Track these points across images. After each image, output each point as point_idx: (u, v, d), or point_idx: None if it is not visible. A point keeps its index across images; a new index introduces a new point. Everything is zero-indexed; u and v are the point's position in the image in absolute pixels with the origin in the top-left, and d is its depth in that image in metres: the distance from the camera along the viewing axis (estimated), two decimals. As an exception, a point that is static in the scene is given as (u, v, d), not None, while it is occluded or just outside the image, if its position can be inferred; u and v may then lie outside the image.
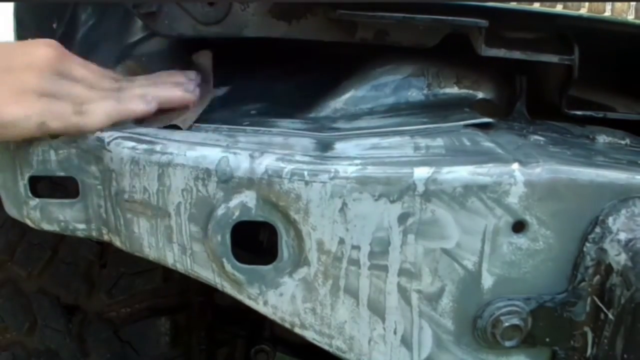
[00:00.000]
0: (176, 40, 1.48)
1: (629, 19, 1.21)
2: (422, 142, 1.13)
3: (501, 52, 1.21)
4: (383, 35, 1.24)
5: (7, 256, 1.94)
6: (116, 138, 1.11)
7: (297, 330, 1.12)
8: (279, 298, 1.10)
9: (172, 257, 1.12)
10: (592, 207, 1.06)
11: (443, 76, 1.32)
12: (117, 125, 1.15)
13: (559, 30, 1.28)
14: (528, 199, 1.04)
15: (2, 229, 1.96)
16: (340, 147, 1.10)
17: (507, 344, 1.10)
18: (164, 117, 1.18)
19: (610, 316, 1.06)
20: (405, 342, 1.12)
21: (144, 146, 1.09)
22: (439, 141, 1.13)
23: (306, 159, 1.04)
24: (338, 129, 1.19)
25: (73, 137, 1.12)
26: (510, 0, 1.19)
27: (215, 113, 1.28)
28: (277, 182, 1.02)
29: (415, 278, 1.08)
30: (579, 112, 1.31)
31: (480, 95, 1.33)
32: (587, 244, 1.07)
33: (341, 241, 1.05)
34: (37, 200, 1.16)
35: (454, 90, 1.32)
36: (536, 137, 1.22)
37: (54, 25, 1.56)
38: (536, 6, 1.20)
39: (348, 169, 1.02)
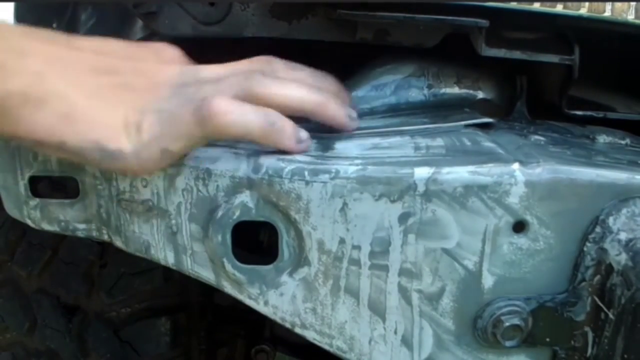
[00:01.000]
0: (176, 40, 1.48)
1: (629, 19, 1.21)
2: (423, 142, 1.13)
3: (501, 52, 1.21)
4: (383, 35, 1.24)
5: (7, 256, 1.94)
6: (116, 138, 1.11)
7: (297, 330, 1.12)
8: (280, 298, 1.10)
9: (172, 257, 1.12)
10: (592, 207, 1.06)
11: (443, 76, 1.32)
12: None
13: (559, 30, 1.28)
14: (528, 199, 1.04)
15: (2, 229, 1.96)
16: (340, 146, 1.10)
17: (508, 343, 1.10)
18: None
19: (611, 316, 1.06)
20: (406, 342, 1.12)
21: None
22: (440, 141, 1.13)
23: (306, 158, 1.04)
24: (338, 129, 1.19)
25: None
26: (510, 0, 1.19)
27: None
28: (277, 182, 1.02)
29: (416, 278, 1.08)
30: (579, 112, 1.31)
31: (480, 95, 1.33)
32: (588, 244, 1.07)
33: (342, 241, 1.05)
34: (37, 200, 1.16)
35: (454, 90, 1.32)
36: (536, 137, 1.22)
37: (54, 25, 1.56)
38: (536, 6, 1.20)
39: (348, 169, 1.02)
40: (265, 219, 1.06)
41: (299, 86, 1.08)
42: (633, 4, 1.20)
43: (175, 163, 1.05)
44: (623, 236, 1.05)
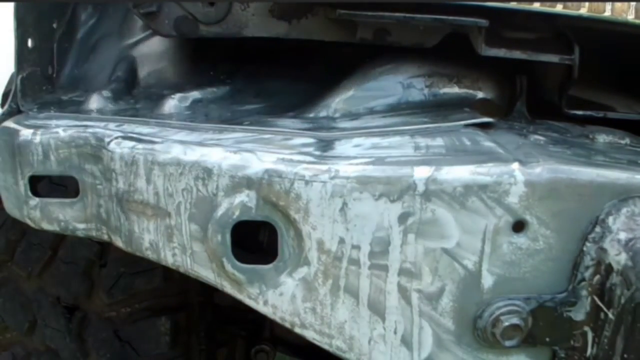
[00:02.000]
0: (176, 40, 1.48)
1: (629, 19, 1.21)
2: (423, 141, 1.13)
3: (501, 52, 1.21)
4: (383, 35, 1.24)
5: (7, 256, 1.94)
6: (116, 138, 1.11)
7: (297, 330, 1.11)
8: (279, 298, 1.09)
9: (172, 257, 1.12)
10: (592, 206, 1.06)
11: (443, 76, 1.32)
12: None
13: (559, 30, 1.28)
14: (528, 199, 1.04)
15: (2, 229, 1.96)
16: (340, 146, 1.10)
17: (507, 343, 1.10)
18: None
19: (610, 316, 1.06)
20: (406, 341, 1.12)
21: (144, 146, 1.09)
22: (439, 141, 1.13)
23: (306, 158, 1.04)
24: (338, 129, 1.19)
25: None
26: (510, 0, 1.19)
27: (216, 112, 1.28)
28: (277, 182, 1.02)
29: (416, 278, 1.08)
30: (579, 112, 1.31)
31: (480, 95, 1.33)
32: (587, 244, 1.07)
33: (341, 241, 1.05)
34: (37, 199, 1.16)
35: (454, 90, 1.32)
36: (536, 136, 1.22)
37: (54, 25, 1.56)
38: (536, 6, 1.20)
39: (348, 169, 1.02)
40: (265, 219, 1.05)
41: None
42: (633, 4, 1.20)
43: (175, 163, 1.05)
44: (623, 236, 1.05)
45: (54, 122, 1.20)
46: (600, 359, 1.10)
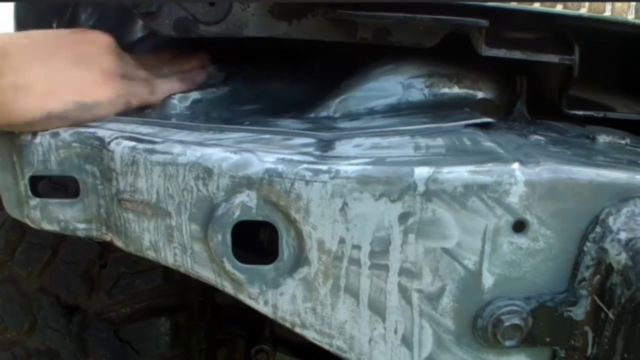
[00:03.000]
0: (176, 40, 1.48)
1: (629, 19, 1.21)
2: (423, 141, 1.13)
3: (501, 52, 1.21)
4: (383, 35, 1.24)
5: (7, 256, 1.94)
6: (117, 138, 1.11)
7: (297, 330, 1.11)
8: (280, 298, 1.10)
9: (172, 257, 1.12)
10: (592, 206, 1.06)
11: (443, 76, 1.32)
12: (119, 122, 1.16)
13: (559, 30, 1.28)
14: (528, 199, 1.04)
15: (2, 229, 1.96)
16: (340, 146, 1.10)
17: (508, 343, 1.10)
18: None
19: (611, 316, 1.06)
20: (406, 341, 1.12)
21: (144, 146, 1.09)
22: (440, 141, 1.13)
23: (307, 158, 1.04)
24: (338, 129, 1.19)
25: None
26: (510, 0, 1.19)
27: (216, 112, 1.28)
28: (277, 182, 1.02)
29: (416, 277, 1.08)
30: (579, 112, 1.31)
31: (480, 95, 1.33)
32: (588, 244, 1.07)
33: (342, 241, 1.05)
34: (38, 200, 1.16)
35: (454, 90, 1.32)
36: (536, 136, 1.22)
37: (54, 25, 1.56)
38: (536, 6, 1.20)
39: (348, 169, 1.02)
40: (265, 219, 1.06)
41: None
42: (633, 4, 1.20)
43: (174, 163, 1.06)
44: (623, 236, 1.05)
45: None
46: (600, 359, 1.10)
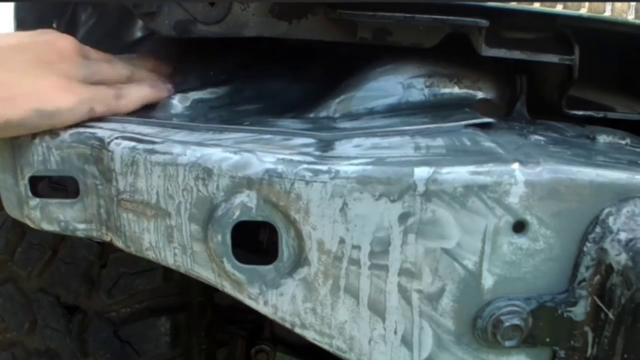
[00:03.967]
0: (176, 40, 1.48)
1: (629, 19, 1.21)
2: (423, 142, 1.13)
3: (501, 52, 1.21)
4: (383, 35, 1.24)
5: (7, 256, 1.94)
6: (116, 138, 1.11)
7: (297, 330, 1.11)
8: (279, 298, 1.10)
9: (172, 257, 1.12)
10: (592, 206, 1.06)
11: (443, 76, 1.32)
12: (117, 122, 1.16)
13: (559, 30, 1.28)
14: (528, 199, 1.04)
15: (2, 229, 1.96)
16: (340, 147, 1.10)
17: (508, 343, 1.10)
18: None
19: (611, 316, 1.06)
20: (406, 342, 1.12)
21: (144, 146, 1.09)
22: (440, 141, 1.13)
23: (307, 158, 1.04)
24: (338, 129, 1.19)
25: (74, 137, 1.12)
26: (510, 0, 1.19)
27: (216, 112, 1.28)
28: (277, 182, 1.02)
29: (416, 278, 1.08)
30: (579, 112, 1.31)
31: (480, 95, 1.33)
32: (588, 244, 1.07)
33: (341, 241, 1.05)
34: (38, 200, 1.16)
35: (454, 90, 1.32)
36: (536, 137, 1.22)
37: (54, 25, 1.56)
38: (536, 6, 1.20)
39: (348, 169, 1.02)
40: (265, 219, 1.06)
41: None
42: (633, 4, 1.20)
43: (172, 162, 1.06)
44: (623, 236, 1.05)
45: None
46: (600, 359, 1.10)
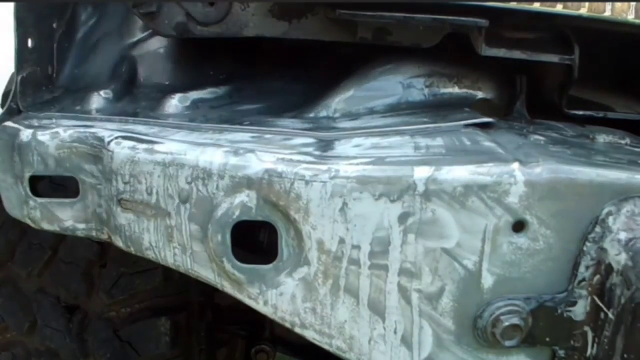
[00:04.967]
0: (176, 40, 1.48)
1: (629, 18, 1.21)
2: (423, 141, 1.13)
3: (501, 52, 1.21)
4: (383, 35, 1.24)
5: (7, 256, 1.94)
6: (116, 137, 1.11)
7: (297, 329, 1.11)
8: (279, 297, 1.09)
9: (172, 257, 1.12)
10: (592, 206, 1.06)
11: (443, 76, 1.32)
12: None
13: (559, 30, 1.28)
14: (528, 199, 1.04)
15: (2, 229, 1.96)
16: (340, 146, 1.10)
17: (507, 343, 1.10)
18: None
19: (610, 316, 1.06)
20: (406, 341, 1.12)
21: (144, 146, 1.09)
22: (439, 141, 1.13)
23: (306, 158, 1.04)
24: (338, 129, 1.19)
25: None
26: (510, 0, 1.19)
27: (216, 112, 1.28)
28: (277, 182, 1.02)
29: (416, 277, 1.07)
30: (579, 112, 1.31)
31: (480, 95, 1.33)
32: (587, 244, 1.07)
33: (341, 241, 1.05)
34: (38, 200, 1.16)
35: (454, 90, 1.32)
36: (536, 136, 1.22)
37: (54, 25, 1.56)
38: (536, 6, 1.20)
39: (348, 169, 1.02)
40: (265, 219, 1.05)
41: None
42: (633, 4, 1.20)
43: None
44: (623, 236, 1.05)
45: (54, 121, 1.20)
46: (600, 359, 1.10)
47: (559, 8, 1.20)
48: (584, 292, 1.09)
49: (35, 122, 1.19)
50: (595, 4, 1.20)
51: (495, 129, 1.23)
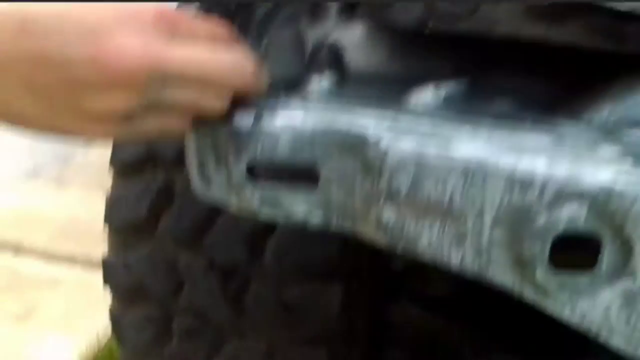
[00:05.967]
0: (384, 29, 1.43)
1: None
2: None
3: None
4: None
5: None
6: (388, 131, 1.09)
7: (601, 339, 1.11)
8: (591, 307, 1.09)
9: (458, 259, 1.11)
10: None
11: None
12: None
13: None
14: None
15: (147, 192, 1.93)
16: None
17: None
18: None
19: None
20: None
21: (433, 145, 1.07)
22: None
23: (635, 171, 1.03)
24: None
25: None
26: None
27: (473, 107, 1.24)
28: (617, 198, 1.01)
29: None
30: None
31: None
32: None
33: None
34: (258, 184, 1.14)
35: None
36: None
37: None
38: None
39: None
40: (591, 235, 1.04)
41: None
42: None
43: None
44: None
45: (294, 110, 1.16)
46: None
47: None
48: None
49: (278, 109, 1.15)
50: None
51: None
